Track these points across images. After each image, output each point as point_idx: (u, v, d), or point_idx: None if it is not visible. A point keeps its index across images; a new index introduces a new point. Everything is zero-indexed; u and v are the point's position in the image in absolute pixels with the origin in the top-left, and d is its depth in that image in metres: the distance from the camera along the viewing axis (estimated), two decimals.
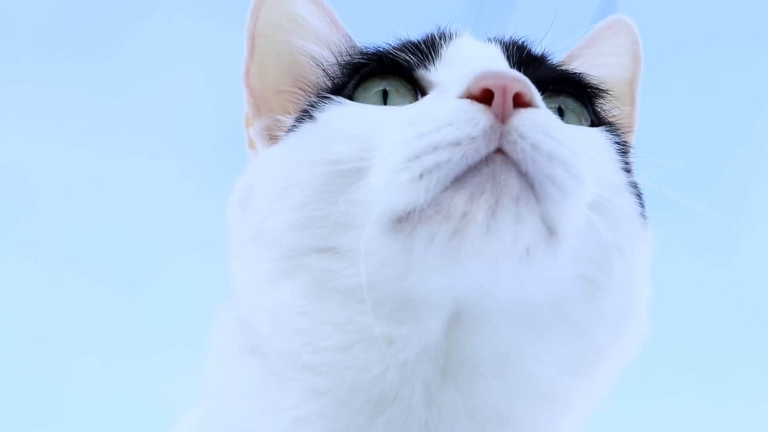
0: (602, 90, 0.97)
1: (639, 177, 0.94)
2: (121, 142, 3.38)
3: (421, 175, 0.76)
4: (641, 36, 1.09)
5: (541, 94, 0.84)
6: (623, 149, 0.94)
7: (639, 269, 0.90)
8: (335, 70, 0.99)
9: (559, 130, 0.80)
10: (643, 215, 0.92)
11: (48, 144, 3.43)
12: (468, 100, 0.79)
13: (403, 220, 0.78)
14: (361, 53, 0.97)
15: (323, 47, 1.01)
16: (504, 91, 0.77)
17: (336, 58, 1.00)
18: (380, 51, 0.95)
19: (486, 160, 0.76)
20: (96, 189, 3.43)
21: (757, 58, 3.25)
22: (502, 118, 0.77)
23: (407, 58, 0.92)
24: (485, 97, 0.78)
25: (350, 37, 1.03)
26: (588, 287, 0.84)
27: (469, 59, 0.91)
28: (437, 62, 0.92)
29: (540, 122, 0.78)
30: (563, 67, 0.97)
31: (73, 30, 3.53)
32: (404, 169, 0.77)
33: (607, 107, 0.98)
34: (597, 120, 0.95)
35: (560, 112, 0.92)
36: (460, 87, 0.80)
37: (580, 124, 0.93)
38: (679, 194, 0.84)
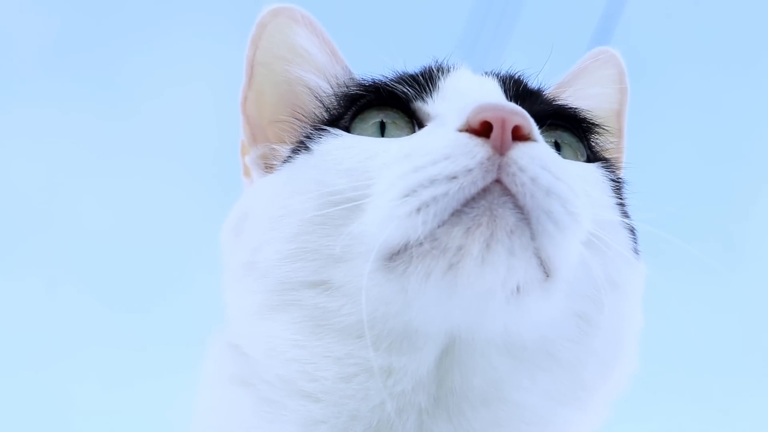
0: (597, 125, 0.97)
1: (633, 215, 0.94)
2: (127, 165, 3.38)
3: (419, 209, 0.76)
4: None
5: (538, 128, 0.84)
6: (617, 185, 0.95)
7: (632, 305, 0.91)
8: (332, 102, 0.99)
9: (557, 165, 0.80)
10: (636, 251, 0.92)
11: (53, 167, 3.44)
12: (466, 134, 0.79)
13: (395, 257, 0.78)
14: (359, 85, 0.97)
15: (322, 79, 1.01)
16: (503, 123, 0.77)
17: (334, 89, 1.00)
18: (378, 82, 0.95)
19: (484, 192, 0.76)
20: (102, 212, 3.43)
21: (758, 82, 3.26)
22: (501, 151, 0.77)
23: (405, 89, 0.92)
24: (484, 129, 0.78)
25: (350, 70, 1.03)
26: (580, 324, 0.84)
27: (467, 92, 0.91)
28: (435, 94, 0.92)
29: (539, 156, 0.78)
30: (559, 102, 0.97)
31: (76, 53, 3.54)
32: (402, 204, 0.77)
33: (602, 142, 0.98)
34: (592, 155, 0.95)
35: (557, 147, 0.92)
36: (459, 120, 0.80)
37: (576, 159, 0.93)
38: (672, 236, 0.84)
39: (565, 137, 0.94)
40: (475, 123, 0.78)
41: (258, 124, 1.03)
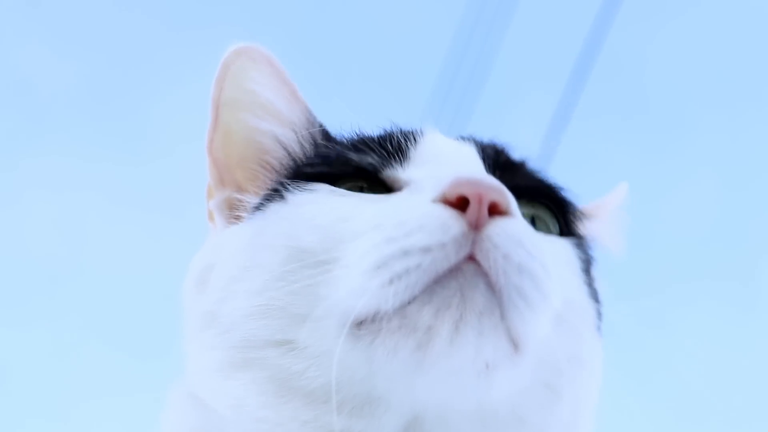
0: (575, 206, 0.97)
1: (603, 295, 0.95)
2: (146, 214, 3.40)
3: (391, 281, 0.75)
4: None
5: (516, 200, 0.84)
6: (588, 263, 0.95)
7: (591, 378, 0.91)
8: (296, 149, 0.98)
9: (532, 242, 0.79)
10: (599, 329, 0.92)
11: (74, 216, 3.46)
12: (442, 205, 0.78)
13: (362, 326, 0.77)
14: (324, 161, 0.94)
15: (283, 123, 0.99)
16: (480, 199, 0.77)
17: (295, 134, 0.98)
18: (343, 157, 0.92)
19: (455, 271, 0.75)
20: (121, 261, 3.45)
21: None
22: (476, 227, 0.76)
23: (371, 161, 0.90)
24: (460, 203, 0.77)
25: (310, 111, 1.01)
26: (547, 393, 0.85)
27: (445, 159, 0.90)
28: (406, 162, 0.90)
29: (514, 233, 0.78)
30: (540, 176, 0.96)
31: (100, 101, 3.58)
32: (375, 275, 0.76)
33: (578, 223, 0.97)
34: (566, 230, 0.95)
35: (531, 219, 0.92)
36: (435, 191, 0.79)
37: (549, 232, 0.93)
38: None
39: (541, 212, 0.93)
40: (452, 196, 0.78)
41: (225, 166, 1.00)
